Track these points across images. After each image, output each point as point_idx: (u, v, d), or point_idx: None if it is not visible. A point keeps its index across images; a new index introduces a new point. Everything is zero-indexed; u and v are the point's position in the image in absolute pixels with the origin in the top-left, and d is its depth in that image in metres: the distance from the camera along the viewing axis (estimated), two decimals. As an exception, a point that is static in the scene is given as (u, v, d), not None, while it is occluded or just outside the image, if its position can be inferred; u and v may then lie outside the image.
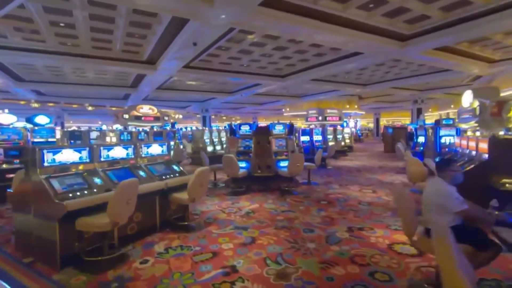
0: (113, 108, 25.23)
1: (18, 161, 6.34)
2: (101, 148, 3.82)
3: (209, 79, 13.59)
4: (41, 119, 6.89)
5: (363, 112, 26.09)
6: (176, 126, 18.40)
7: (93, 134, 10.62)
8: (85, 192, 3.28)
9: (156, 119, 9.70)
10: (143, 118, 9.20)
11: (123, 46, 8.53)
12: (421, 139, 9.69)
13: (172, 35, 7.32)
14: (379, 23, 7.00)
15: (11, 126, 6.45)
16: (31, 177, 3.23)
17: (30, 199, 3.26)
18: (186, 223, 4.27)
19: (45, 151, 3.23)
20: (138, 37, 7.84)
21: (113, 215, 2.97)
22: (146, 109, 9.30)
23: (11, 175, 6.24)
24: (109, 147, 3.93)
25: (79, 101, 19.98)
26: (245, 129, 7.11)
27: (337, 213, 4.96)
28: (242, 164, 6.58)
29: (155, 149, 4.60)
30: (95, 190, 3.38)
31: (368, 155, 15.16)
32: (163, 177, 4.27)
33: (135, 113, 9.07)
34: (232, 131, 7.29)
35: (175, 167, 4.66)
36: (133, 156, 4.21)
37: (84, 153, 3.62)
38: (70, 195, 3.13)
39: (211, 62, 10.61)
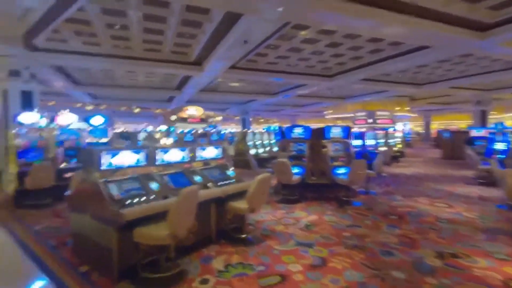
0: (157, 111, 26.28)
1: (75, 159, 6.50)
2: (158, 150, 3.55)
3: (253, 80, 13.30)
4: (97, 120, 7.03)
5: (414, 115, 24.05)
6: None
7: (141, 135, 10.83)
8: (143, 198, 3.00)
9: (202, 120, 9.62)
10: (188, 120, 9.12)
11: (172, 47, 8.52)
12: (498, 146, 8.33)
13: (222, 34, 7.06)
14: (457, 11, 6.04)
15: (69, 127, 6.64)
16: (89, 180, 3.04)
17: (88, 202, 3.07)
18: (243, 235, 3.85)
19: (103, 153, 3.01)
20: (188, 37, 7.73)
21: (173, 227, 2.63)
22: (192, 110, 9.24)
23: (69, 174, 6.44)
24: (165, 149, 3.66)
25: (127, 104, 20.99)
26: (298, 131, 6.57)
27: (415, 232, 4.21)
28: (295, 170, 6.05)
29: (210, 152, 4.27)
30: (152, 196, 3.09)
31: (424, 162, 13.73)
32: (218, 183, 3.91)
33: (182, 114, 9.02)
34: (284, 134, 6.79)
35: (229, 172, 4.29)
36: (188, 160, 3.90)
37: (141, 156, 3.36)
38: (128, 202, 2.87)
39: (257, 62, 10.27)
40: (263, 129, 13.50)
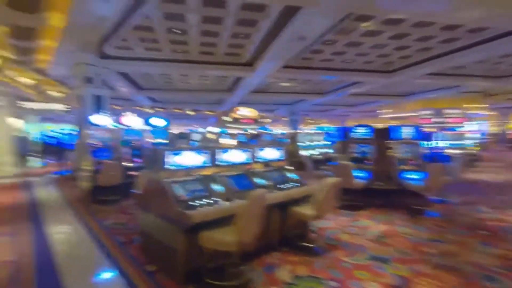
0: (207, 112, 27.28)
1: (139, 159, 6.88)
2: (219, 151, 3.45)
3: (305, 79, 12.89)
4: (157, 121, 7.38)
5: (489, 113, 21.04)
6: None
7: (196, 136, 11.20)
8: (207, 200, 2.90)
9: (254, 121, 9.58)
10: (241, 121, 9.13)
11: (226, 48, 8.59)
12: None
13: (277, 31, 6.86)
14: None
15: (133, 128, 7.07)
16: (155, 179, 3.04)
17: (154, 202, 3.08)
18: (308, 244, 3.55)
19: (167, 152, 2.99)
20: (242, 37, 7.70)
21: (241, 233, 2.46)
22: (244, 111, 9.23)
23: (134, 173, 6.84)
24: (227, 150, 3.54)
25: (181, 106, 22.14)
26: (360, 131, 6.03)
27: (518, 253, 3.45)
28: (357, 174, 5.54)
29: (270, 153, 4.06)
30: (216, 199, 2.98)
31: (505, 167, 11.79)
32: (280, 186, 3.68)
33: (234, 115, 9.06)
34: (343, 134, 6.31)
35: (291, 175, 4.02)
36: (250, 161, 3.74)
37: (203, 156, 3.29)
38: (193, 203, 2.78)
39: (311, 60, 9.86)
40: (315, 129, 12.95)
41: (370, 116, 28.95)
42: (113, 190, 6.16)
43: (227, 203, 2.93)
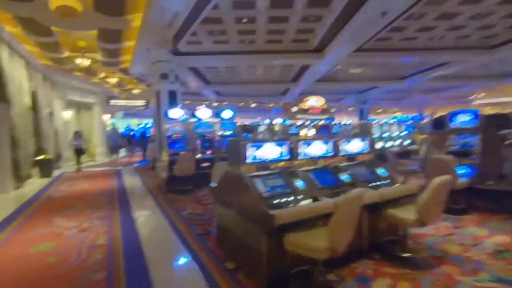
0: (270, 105, 27.17)
1: (210, 151, 7.02)
2: (300, 143, 3.10)
3: (379, 63, 11.58)
4: (227, 113, 7.42)
5: None
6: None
7: (261, 128, 11.06)
8: (290, 198, 2.60)
9: (323, 111, 9.01)
10: (310, 111, 8.64)
11: (294, 35, 8.14)
12: None
13: (354, 9, 6.12)
14: None
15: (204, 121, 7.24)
16: (235, 174, 2.86)
17: (233, 197, 2.91)
18: (407, 254, 2.98)
19: (248, 145, 2.76)
20: (312, 21, 7.15)
21: (333, 239, 2.09)
22: (313, 101, 8.72)
23: (205, 164, 7.02)
24: (308, 142, 3.17)
25: (245, 99, 22.47)
26: (463, 120, 4.99)
27: None
28: (459, 170, 4.58)
29: (355, 145, 3.55)
30: (299, 196, 2.66)
31: None
32: (370, 184, 3.16)
33: (302, 106, 8.62)
34: (439, 123, 5.33)
35: (380, 171, 3.45)
36: (332, 154, 3.31)
37: (284, 149, 2.99)
38: (276, 201, 2.51)
39: (390, 40, 8.71)
40: (392, 119, 11.63)
41: (457, 103, 25.05)
42: (187, 180, 6.39)
43: (313, 202, 2.58)
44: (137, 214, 4.86)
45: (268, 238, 2.41)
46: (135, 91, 16.06)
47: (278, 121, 14.91)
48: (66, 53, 8.98)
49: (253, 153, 2.79)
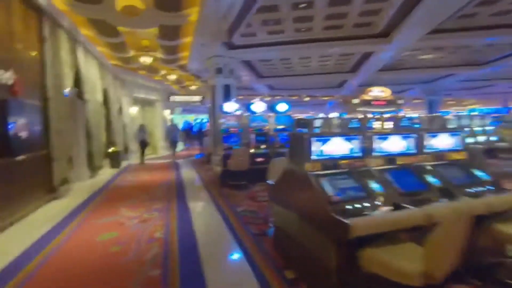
0: (325, 98, 25.98)
1: (265, 146, 6.78)
2: (375, 138, 2.60)
3: (459, 46, 9.97)
4: (282, 107, 7.08)
5: None
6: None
7: (317, 122, 10.47)
8: (366, 204, 2.15)
9: (388, 103, 8.06)
10: (373, 103, 7.81)
11: (357, 18, 7.37)
12: None
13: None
14: None
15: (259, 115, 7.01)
16: (297, 171, 2.51)
17: (295, 198, 2.57)
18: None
19: (313, 139, 2.38)
20: (379, 0, 6.33)
21: (432, 264, 1.61)
22: (376, 91, 7.85)
23: (259, 159, 6.80)
24: (384, 136, 2.65)
25: (297, 93, 21.81)
26: None
27: None
28: None
29: (443, 141, 2.89)
30: (377, 202, 2.19)
31: None
32: (468, 190, 2.51)
33: (365, 97, 7.81)
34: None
35: (479, 173, 2.75)
36: (414, 151, 2.73)
37: (355, 144, 2.53)
38: (349, 207, 2.09)
39: (475, 16, 7.34)
40: (471, 112, 9.96)
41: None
42: (241, 175, 6.25)
43: (396, 211, 2.10)
44: (192, 208, 4.85)
45: (338, 250, 2.01)
46: (192, 87, 16.74)
47: (334, 115, 13.97)
48: (132, 53, 9.61)
49: (318, 148, 2.40)
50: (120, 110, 12.37)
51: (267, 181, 3.27)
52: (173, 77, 12.91)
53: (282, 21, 7.48)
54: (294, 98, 23.62)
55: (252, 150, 6.61)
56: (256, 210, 4.62)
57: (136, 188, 6.45)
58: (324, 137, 2.43)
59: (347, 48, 9.27)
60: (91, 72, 8.15)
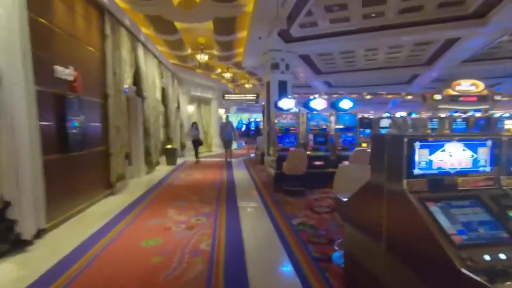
0: (389, 96, 23.57)
1: (324, 148, 5.99)
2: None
3: None
4: (345, 104, 6.18)
5: None
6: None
7: (384, 122, 9.22)
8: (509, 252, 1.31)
9: (481, 99, 6.47)
10: (461, 99, 6.35)
11: (443, -4, 6.06)
12: None
13: None
14: None
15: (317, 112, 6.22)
16: (387, 189, 1.77)
17: (385, 225, 1.82)
18: None
19: (417, 143, 1.61)
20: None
21: None
22: (466, 85, 6.35)
23: (318, 162, 6.04)
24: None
25: (358, 90, 20.09)
26: None
27: None
28: None
29: None
30: (533, 250, 1.33)
31: None
32: None
33: (450, 92, 6.40)
34: None
35: None
36: None
37: (482, 153, 1.67)
38: (487, 257, 1.29)
39: None
40: None
41: None
42: (297, 180, 5.59)
43: None
44: (242, 215, 4.35)
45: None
46: (247, 86, 16.55)
47: (400, 114, 12.28)
48: (189, 51, 9.66)
49: (425, 158, 1.62)
50: (178, 108, 12.72)
51: (337, 196, 2.55)
52: (228, 75, 12.80)
53: (348, 7, 6.57)
54: (353, 96, 21.87)
55: (309, 152, 5.89)
56: (315, 224, 3.91)
57: (187, 188, 6.27)
58: (434, 141, 1.64)
59: (427, 35, 7.85)
60: (150, 70, 8.32)
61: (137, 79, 7.18)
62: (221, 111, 18.29)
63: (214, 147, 16.42)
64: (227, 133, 10.54)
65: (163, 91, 10.14)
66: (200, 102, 15.87)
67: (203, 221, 4.06)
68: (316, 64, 12.17)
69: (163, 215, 4.35)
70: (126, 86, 6.29)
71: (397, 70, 13.09)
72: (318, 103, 6.17)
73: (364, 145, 6.19)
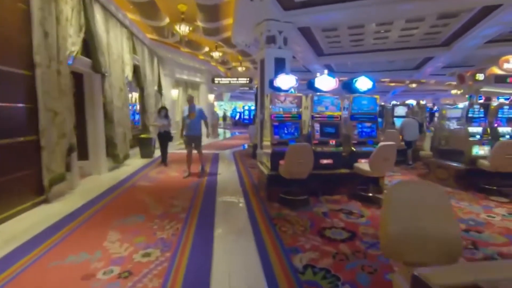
0: (391, 84, 22.12)
1: (334, 142, 4.49)
2: None
3: None
4: (363, 83, 4.64)
5: None
6: None
7: (400, 110, 7.76)
8: None
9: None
10: (510, 80, 4.92)
11: None
12: None
13: None
14: None
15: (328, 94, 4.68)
16: None
17: None
18: None
19: None
20: None
21: None
22: (516, 62, 4.96)
23: (326, 161, 4.55)
24: None
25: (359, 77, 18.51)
26: None
27: None
28: None
29: None
30: None
31: None
32: None
33: (494, 70, 4.96)
34: None
35: None
36: None
37: None
38: None
39: None
40: None
41: None
42: (299, 185, 4.12)
43: None
44: (218, 248, 2.85)
45: None
46: (240, 69, 14.86)
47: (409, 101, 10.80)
48: (166, 20, 7.97)
49: None
50: (160, 91, 11.07)
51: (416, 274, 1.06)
52: (217, 54, 11.11)
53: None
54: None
55: (314, 147, 4.39)
56: (331, 268, 2.43)
57: (152, 192, 4.74)
58: None
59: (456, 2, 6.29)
60: (115, 41, 6.65)
61: (92, 50, 5.54)
62: (211, 97, 16.63)
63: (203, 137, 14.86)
64: (193, 124, 5.90)
65: (137, 70, 8.48)
66: (187, 86, 14.19)
67: (152, 259, 2.57)
68: (318, 42, 10.54)
69: (94, 245, 2.84)
70: (69, 54, 4.65)
71: (408, 52, 11.58)
72: (326, 82, 4.63)
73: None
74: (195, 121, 5.93)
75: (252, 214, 3.71)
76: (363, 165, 4.24)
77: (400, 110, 7.91)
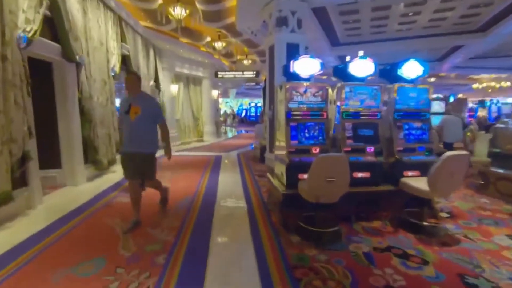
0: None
1: (373, 148, 3.30)
2: None
3: None
4: (410, 68, 3.42)
5: None
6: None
7: (435, 106, 6.49)
8: None
9: None
10: None
11: None
12: None
13: None
14: None
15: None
16: None
17: None
18: None
19: None
20: None
21: None
22: None
23: (362, 174, 3.36)
24: None
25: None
26: None
27: None
28: None
29: None
30: None
31: None
32: None
33: None
34: None
35: None
36: None
37: None
38: None
39: None
40: None
41: None
42: (325, 207, 2.96)
43: None
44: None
45: None
46: (245, 62, 13.67)
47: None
48: (159, 1, 6.83)
49: None
50: (157, 87, 9.98)
51: None
52: (220, 44, 9.94)
53: None
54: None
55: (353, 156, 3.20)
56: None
57: (128, 216, 3.53)
58: None
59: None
60: (95, 24, 5.55)
61: (61, 33, 4.44)
62: (215, 93, 15.49)
63: (206, 136, 13.78)
64: (135, 131, 3.12)
65: (127, 62, 7.38)
66: (189, 81, 13.06)
67: None
68: (334, 28, 9.28)
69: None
70: (21, 34, 3.54)
71: (436, 40, 10.21)
72: (361, 66, 3.44)
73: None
74: (139, 124, 3.11)
75: (262, 260, 2.54)
76: (416, 181, 3.05)
77: (436, 106, 6.64)
